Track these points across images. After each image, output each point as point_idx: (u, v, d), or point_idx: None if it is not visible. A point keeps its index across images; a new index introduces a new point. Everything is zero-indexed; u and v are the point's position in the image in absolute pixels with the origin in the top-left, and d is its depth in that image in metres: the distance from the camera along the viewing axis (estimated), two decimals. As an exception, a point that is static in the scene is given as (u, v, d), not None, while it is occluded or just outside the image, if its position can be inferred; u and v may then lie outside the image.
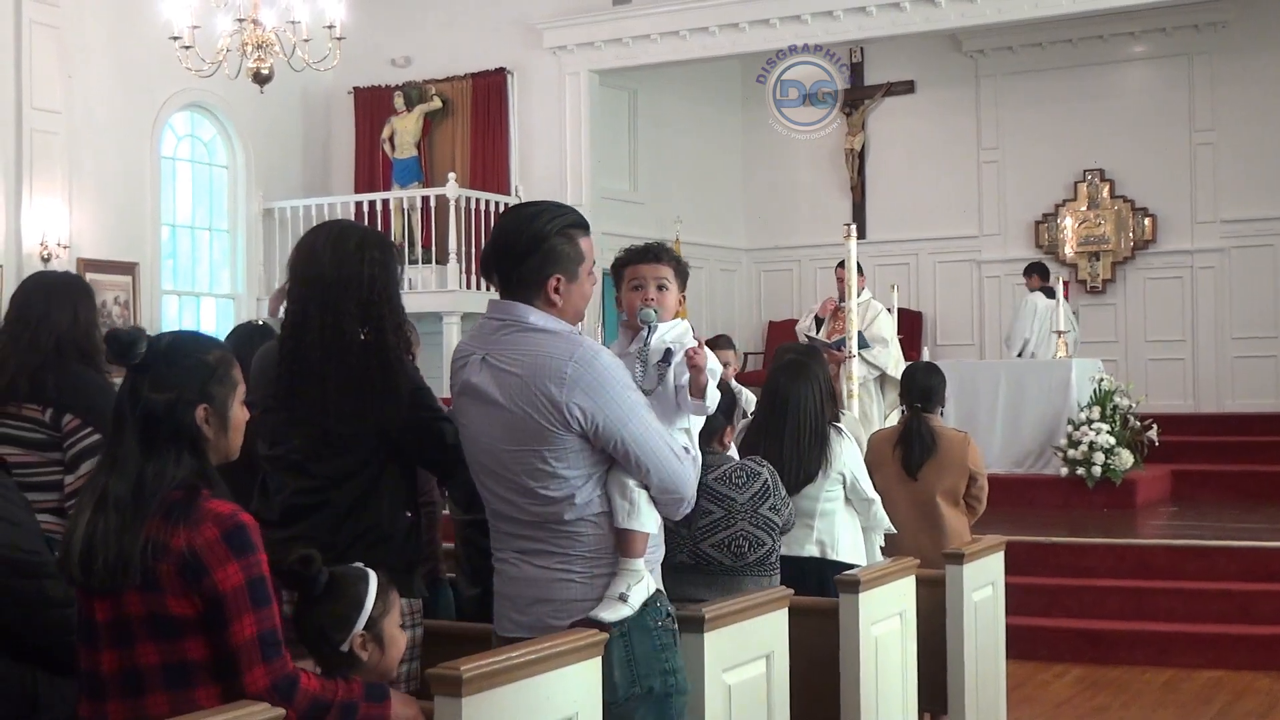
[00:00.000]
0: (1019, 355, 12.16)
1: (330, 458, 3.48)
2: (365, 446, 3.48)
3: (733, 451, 4.39)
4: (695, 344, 3.36)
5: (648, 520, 3.13)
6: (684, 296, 3.71)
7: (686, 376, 3.29)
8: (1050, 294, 12.01)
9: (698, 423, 3.47)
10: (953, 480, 5.97)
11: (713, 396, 3.32)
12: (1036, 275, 12.69)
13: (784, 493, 4.28)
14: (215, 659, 2.57)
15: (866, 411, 9.87)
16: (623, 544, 3.11)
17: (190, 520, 2.57)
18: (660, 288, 3.51)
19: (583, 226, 3.20)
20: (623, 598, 3.09)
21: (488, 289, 12.91)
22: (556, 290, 3.12)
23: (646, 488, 3.13)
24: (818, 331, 10.14)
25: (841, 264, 10.04)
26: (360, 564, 3.03)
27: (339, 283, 3.48)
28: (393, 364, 3.50)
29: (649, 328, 3.35)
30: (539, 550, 3.13)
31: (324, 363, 3.46)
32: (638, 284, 3.52)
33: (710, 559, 4.04)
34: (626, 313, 3.57)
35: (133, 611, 2.58)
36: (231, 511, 2.60)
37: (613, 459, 3.11)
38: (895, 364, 10.03)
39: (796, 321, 10.51)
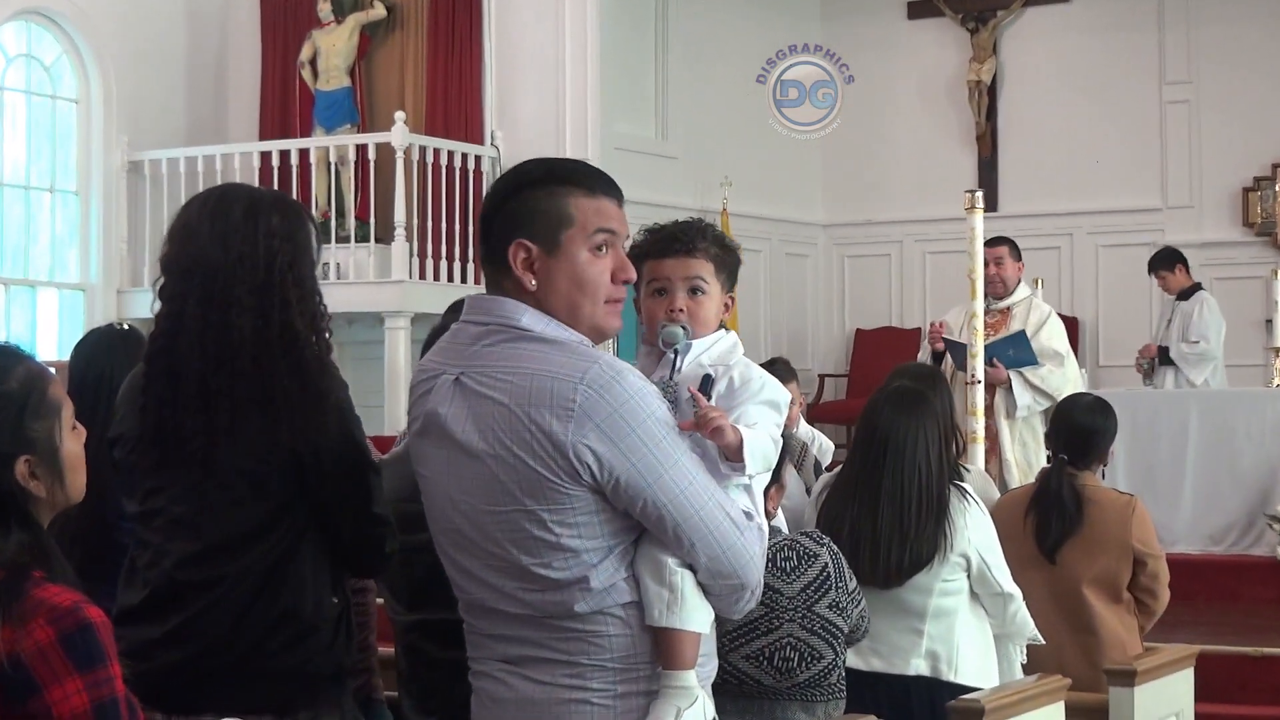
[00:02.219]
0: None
1: (227, 509, 3.50)
2: (278, 489, 3.51)
3: (780, 522, 4.39)
4: (745, 380, 3.33)
5: (697, 615, 3.11)
6: (732, 297, 3.68)
7: (737, 412, 3.27)
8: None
9: (762, 478, 3.45)
10: (1108, 564, 5.97)
11: (759, 454, 3.28)
12: (1181, 267, 12.58)
13: (853, 584, 4.29)
14: (45, 812, 2.57)
15: (1029, 459, 9.83)
16: (665, 650, 3.09)
17: (14, 615, 2.58)
18: (694, 291, 3.49)
19: (578, 181, 3.18)
20: None
21: (450, 279, 12.99)
22: (529, 266, 3.11)
23: (693, 569, 3.11)
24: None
25: (994, 243, 9.93)
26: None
27: (225, 266, 3.54)
28: (307, 361, 3.54)
29: (676, 353, 3.35)
30: (536, 659, 3.10)
31: (207, 374, 3.50)
32: (660, 288, 3.51)
33: (744, 676, 4.05)
34: (646, 325, 3.56)
35: (-73, 742, 2.59)
36: (73, 604, 2.61)
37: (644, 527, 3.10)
38: (1072, 389, 9.95)
39: (895, 330, 10.49)
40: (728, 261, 3.59)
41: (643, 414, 3.03)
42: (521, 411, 3.00)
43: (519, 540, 3.04)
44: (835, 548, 4.28)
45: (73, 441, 2.78)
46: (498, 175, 14.08)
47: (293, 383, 3.50)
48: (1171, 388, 12.13)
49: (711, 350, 3.42)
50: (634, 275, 3.22)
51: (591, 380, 3.00)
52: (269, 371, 3.50)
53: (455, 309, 4.34)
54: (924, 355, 10.31)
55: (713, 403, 3.25)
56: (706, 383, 3.29)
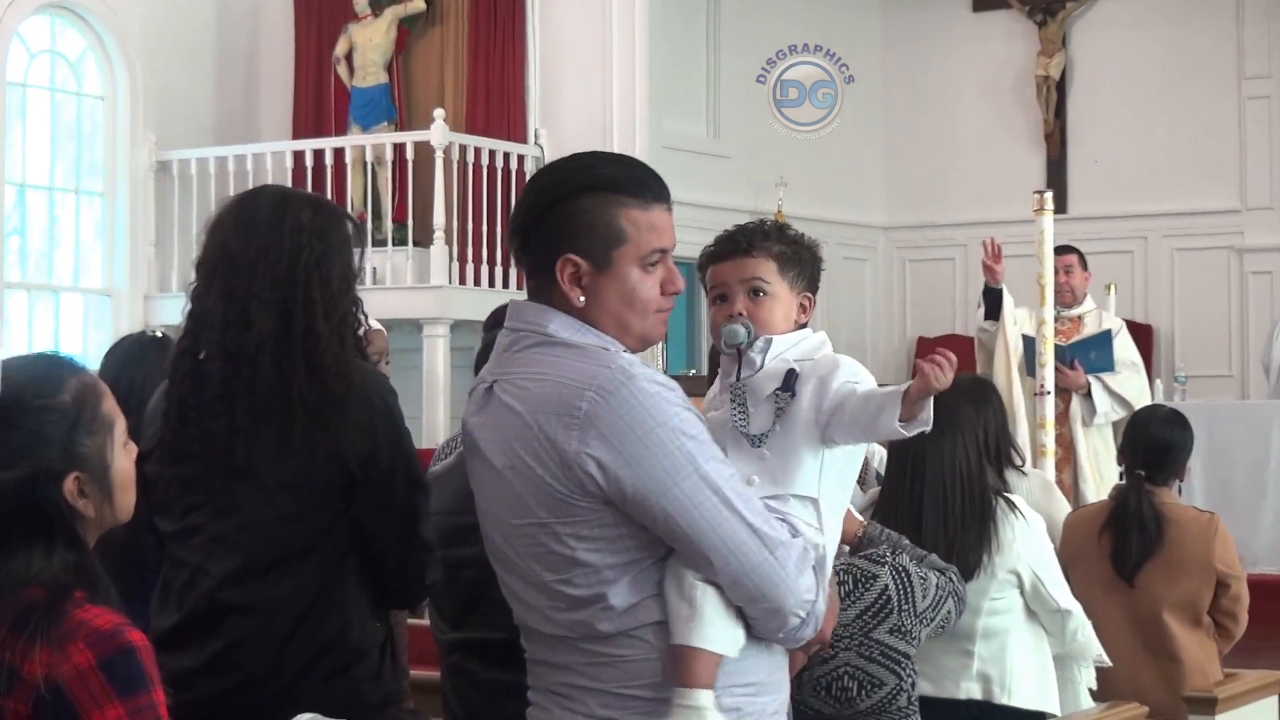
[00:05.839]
0: None
1: (271, 526, 3.51)
2: (323, 505, 3.51)
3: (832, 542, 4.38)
4: (835, 362, 3.31)
5: (718, 634, 3.06)
6: (811, 298, 3.63)
7: (850, 401, 3.23)
8: None
9: (843, 491, 3.40)
10: (1190, 586, 5.95)
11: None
12: None
13: (923, 603, 4.27)
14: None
15: (1100, 469, 9.81)
16: (677, 666, 3.04)
17: (54, 638, 2.58)
18: (755, 293, 3.47)
19: (635, 190, 3.13)
20: None
21: (491, 285, 12.98)
22: (577, 280, 3.07)
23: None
24: (987, 317, 9.89)
25: (1063, 251, 9.81)
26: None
27: (248, 258, 3.55)
28: (325, 366, 3.52)
29: (740, 351, 3.32)
30: (573, 687, 3.07)
31: (228, 374, 3.52)
32: (721, 294, 3.49)
33: (800, 705, 4.02)
34: (711, 335, 3.56)
35: (-40, 769, 2.59)
36: (114, 627, 2.61)
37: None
38: (1145, 400, 9.93)
39: (959, 339, 10.44)
40: (797, 259, 3.52)
41: (652, 420, 2.98)
42: (533, 420, 3.00)
43: (539, 555, 3.04)
44: (901, 566, 4.25)
45: (124, 459, 2.79)
46: (540, 175, 14.14)
47: (310, 389, 3.49)
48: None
49: (797, 348, 3.37)
50: (682, 285, 3.18)
51: (600, 386, 2.97)
52: (289, 375, 3.50)
53: (496, 321, 4.34)
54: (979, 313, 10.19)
55: (804, 401, 3.23)
56: (791, 378, 3.25)
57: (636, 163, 3.24)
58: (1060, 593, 5.05)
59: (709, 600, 3.03)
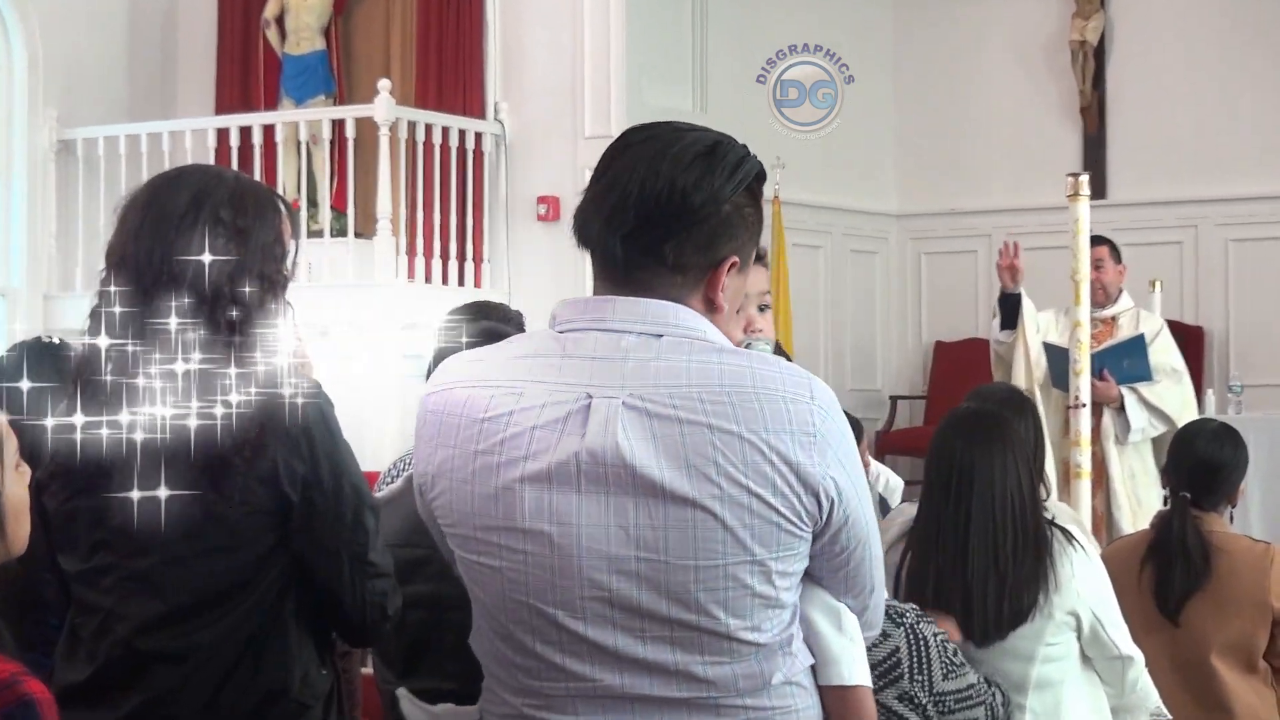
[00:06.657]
0: None
1: (195, 561, 3.48)
2: (256, 534, 3.49)
3: None
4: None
5: (867, 668, 3.17)
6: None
7: None
8: None
9: None
10: (1242, 626, 5.97)
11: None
12: None
13: (942, 683, 4.28)
14: None
15: (1137, 493, 9.82)
16: (853, 711, 3.11)
17: None
18: (763, 309, 3.58)
19: (763, 180, 3.19)
20: None
21: (445, 282, 12.94)
22: (723, 285, 3.07)
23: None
24: (1004, 327, 9.99)
25: (1093, 242, 9.83)
26: None
27: (150, 272, 3.51)
28: (213, 416, 3.46)
29: None
30: None
31: (126, 397, 3.48)
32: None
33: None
34: None
35: None
36: (10, 677, 2.64)
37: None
38: (1189, 413, 9.94)
39: (982, 343, 10.46)
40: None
41: (852, 436, 3.06)
42: (759, 439, 2.92)
43: (730, 599, 2.95)
44: (921, 631, 4.26)
45: (15, 484, 2.81)
46: (503, 155, 14.01)
47: (195, 443, 3.45)
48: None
49: None
50: None
51: (820, 399, 2.98)
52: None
53: (470, 315, 4.33)
54: (996, 324, 10.25)
55: None
56: None
57: (737, 141, 3.25)
58: (1121, 636, 5.04)
59: (860, 634, 3.15)
